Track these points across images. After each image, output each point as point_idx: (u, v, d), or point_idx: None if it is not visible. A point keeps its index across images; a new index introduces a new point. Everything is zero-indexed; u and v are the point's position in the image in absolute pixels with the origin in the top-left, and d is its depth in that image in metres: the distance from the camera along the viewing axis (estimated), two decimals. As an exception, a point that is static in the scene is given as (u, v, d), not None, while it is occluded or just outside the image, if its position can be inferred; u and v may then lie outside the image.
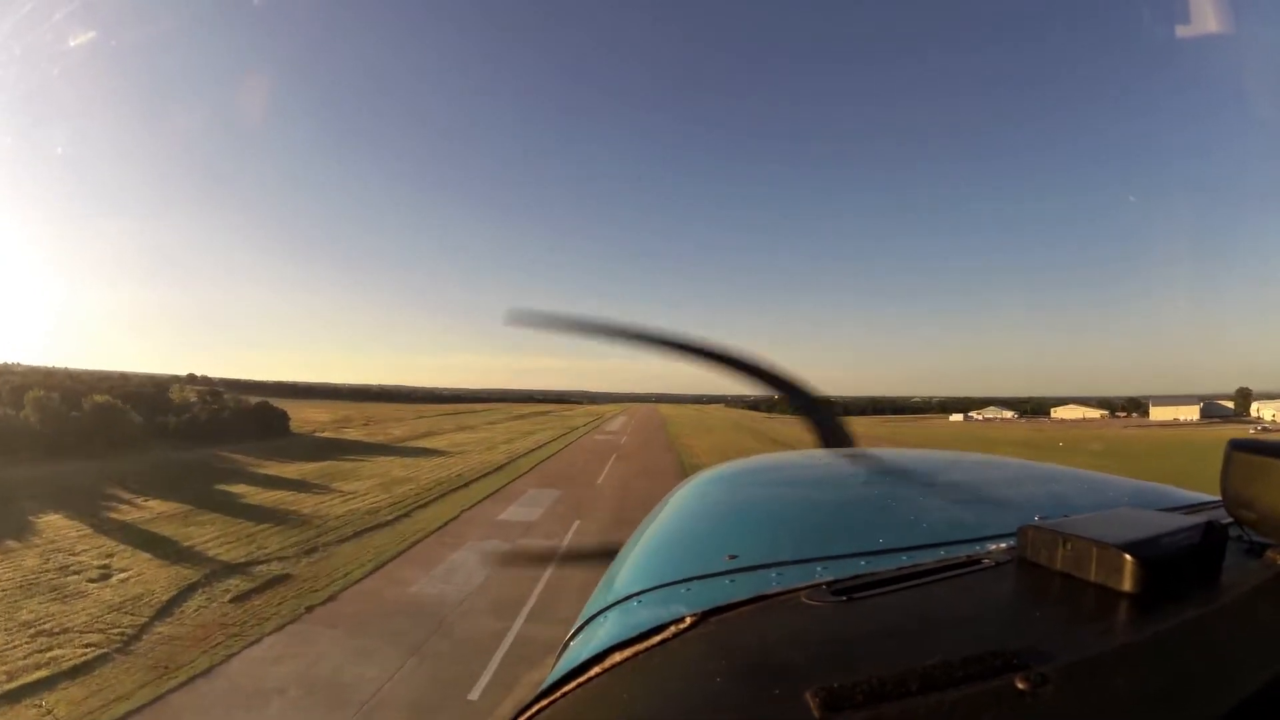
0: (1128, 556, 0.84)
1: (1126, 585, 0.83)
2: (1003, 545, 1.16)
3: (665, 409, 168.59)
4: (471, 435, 63.42)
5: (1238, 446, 0.96)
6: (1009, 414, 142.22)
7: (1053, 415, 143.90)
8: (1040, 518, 1.06)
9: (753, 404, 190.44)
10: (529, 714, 0.89)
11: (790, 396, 2.78)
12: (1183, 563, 0.89)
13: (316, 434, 65.23)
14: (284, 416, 65.96)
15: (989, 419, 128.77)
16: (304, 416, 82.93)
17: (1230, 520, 1.00)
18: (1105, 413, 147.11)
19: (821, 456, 2.57)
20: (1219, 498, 1.00)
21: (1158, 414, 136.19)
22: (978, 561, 1.07)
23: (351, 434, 66.02)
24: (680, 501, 2.09)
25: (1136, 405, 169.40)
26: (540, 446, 51.16)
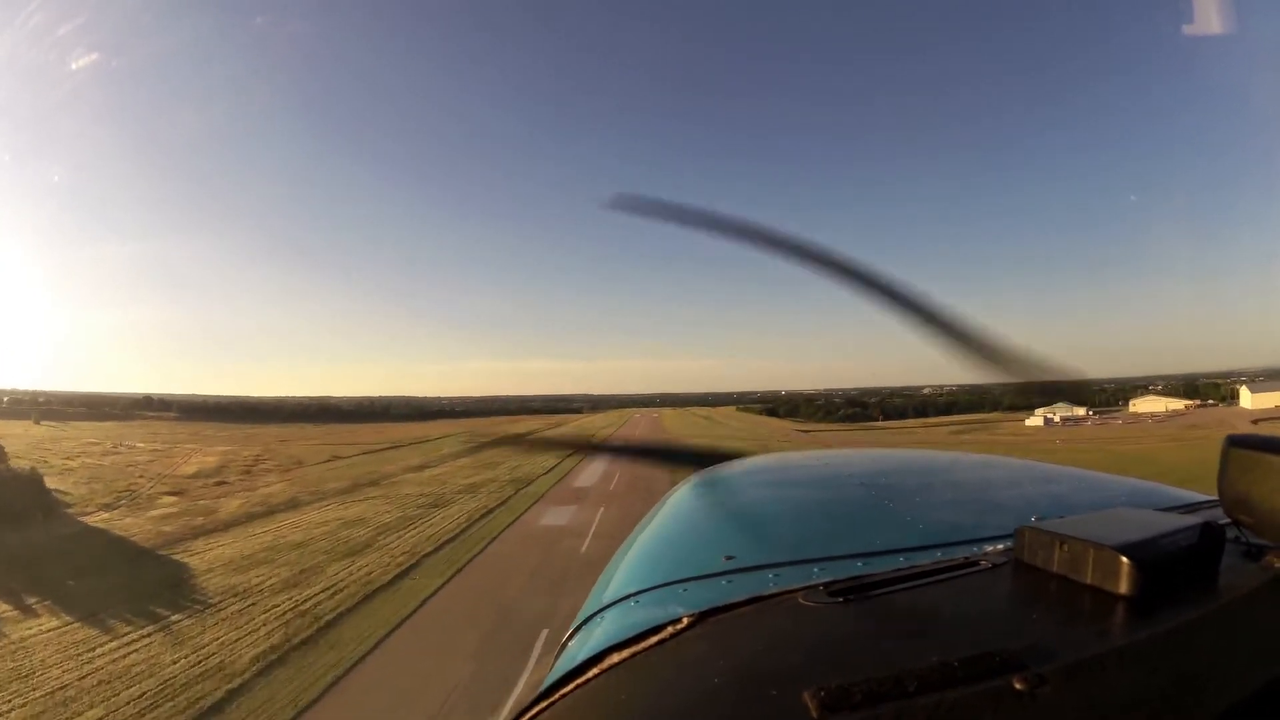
0: (1124, 559, 0.83)
1: (1123, 587, 0.83)
2: (1000, 546, 1.17)
3: (670, 420, 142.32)
4: (339, 515, 37.68)
5: (1235, 442, 0.94)
6: (1080, 410, 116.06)
7: (1132, 408, 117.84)
8: (1037, 518, 1.06)
9: (771, 409, 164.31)
10: (528, 715, 0.88)
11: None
12: (1179, 565, 0.88)
13: (87, 516, 40.15)
14: (37, 489, 40.03)
15: (1067, 419, 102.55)
16: (164, 469, 60.00)
17: (1228, 521, 0.99)
18: (1191, 402, 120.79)
19: (819, 457, 2.50)
20: (1217, 497, 0.99)
21: (1258, 401, 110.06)
22: (975, 563, 1.07)
23: (158, 511, 40.97)
24: (677, 502, 2.08)
25: (1195, 389, 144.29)
26: (401, 573, 25.05)
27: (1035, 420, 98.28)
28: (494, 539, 28.38)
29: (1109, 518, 1.00)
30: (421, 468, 56.00)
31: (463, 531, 30.14)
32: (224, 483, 55.22)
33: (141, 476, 58.17)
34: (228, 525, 37.31)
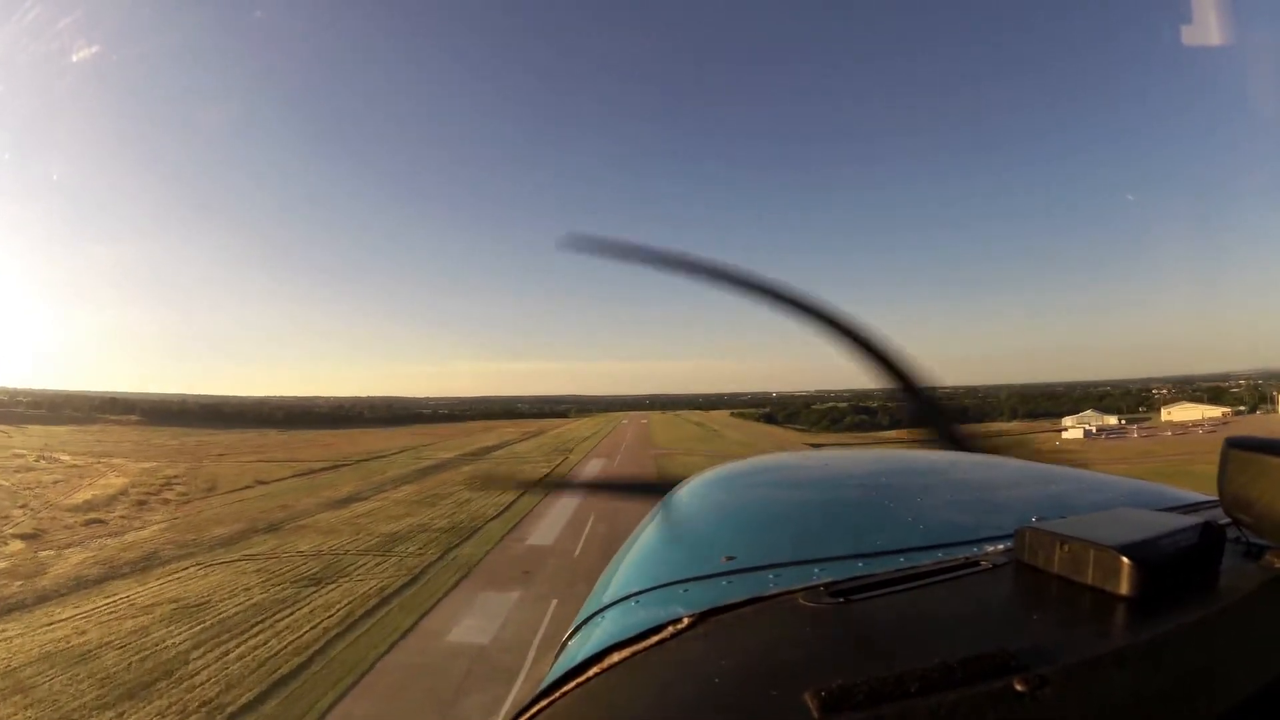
0: (1125, 559, 0.83)
1: (1124, 588, 0.83)
2: (1000, 547, 1.17)
3: (660, 429, 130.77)
4: (182, 592, 26.35)
5: (1234, 444, 0.95)
6: (1112, 419, 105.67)
7: (1166, 417, 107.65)
8: (1038, 519, 1.06)
9: (768, 414, 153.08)
10: (528, 714, 0.88)
11: (895, 384, 2.18)
12: (1180, 564, 0.89)
13: None
14: None
15: (1103, 429, 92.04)
16: (57, 495, 51.20)
17: (1228, 521, 0.99)
18: (1227, 410, 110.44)
19: (820, 457, 2.53)
20: (1217, 498, 1.00)
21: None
22: (975, 563, 1.07)
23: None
24: (678, 502, 2.07)
25: (1219, 394, 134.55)
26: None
27: (1074, 432, 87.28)
28: (365, 674, 17.17)
29: (1109, 518, 1.00)
30: (348, 501, 44.70)
31: (327, 646, 18.96)
32: (100, 521, 44.38)
33: (23, 506, 49.09)
34: (37, 601, 26.69)
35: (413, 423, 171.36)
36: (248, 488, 53.76)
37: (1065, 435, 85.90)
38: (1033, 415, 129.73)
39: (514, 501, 41.96)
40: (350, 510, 41.14)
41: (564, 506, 39.50)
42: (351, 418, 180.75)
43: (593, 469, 58.40)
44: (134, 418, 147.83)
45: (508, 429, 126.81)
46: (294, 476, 58.49)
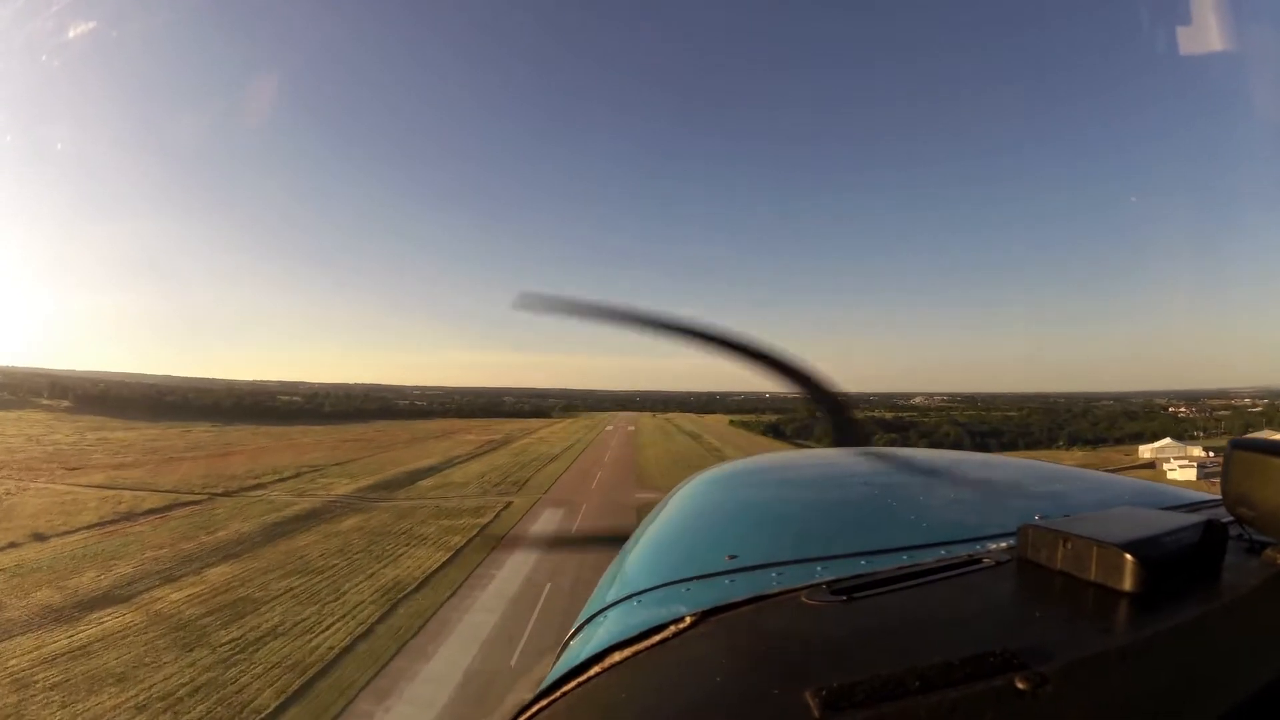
0: (1128, 556, 0.84)
1: (1126, 584, 0.83)
2: (1003, 545, 1.18)
3: (651, 440, 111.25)
4: None
5: (1238, 445, 0.96)
6: (1196, 449, 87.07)
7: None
8: (1040, 517, 1.07)
9: (774, 425, 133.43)
10: (529, 714, 0.88)
11: (805, 391, 2.38)
12: (1183, 562, 0.89)
13: None
14: None
15: (1208, 464, 73.35)
16: None
17: (1230, 519, 1.00)
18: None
19: (822, 456, 2.44)
20: (1219, 496, 1.01)
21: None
22: (978, 561, 1.07)
23: None
24: (680, 501, 2.07)
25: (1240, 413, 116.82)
26: None
27: (1185, 472, 67.66)
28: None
29: (1112, 516, 1.00)
30: (72, 614, 24.96)
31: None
32: None
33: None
34: None
35: (374, 419, 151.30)
36: (12, 547, 34.34)
37: (1173, 476, 66.06)
38: (1086, 442, 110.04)
39: (350, 647, 22.19)
40: (16, 653, 21.40)
41: (438, 679, 19.82)
42: (308, 411, 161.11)
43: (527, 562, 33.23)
44: (65, 403, 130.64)
45: (472, 434, 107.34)
46: (86, 530, 38.60)
